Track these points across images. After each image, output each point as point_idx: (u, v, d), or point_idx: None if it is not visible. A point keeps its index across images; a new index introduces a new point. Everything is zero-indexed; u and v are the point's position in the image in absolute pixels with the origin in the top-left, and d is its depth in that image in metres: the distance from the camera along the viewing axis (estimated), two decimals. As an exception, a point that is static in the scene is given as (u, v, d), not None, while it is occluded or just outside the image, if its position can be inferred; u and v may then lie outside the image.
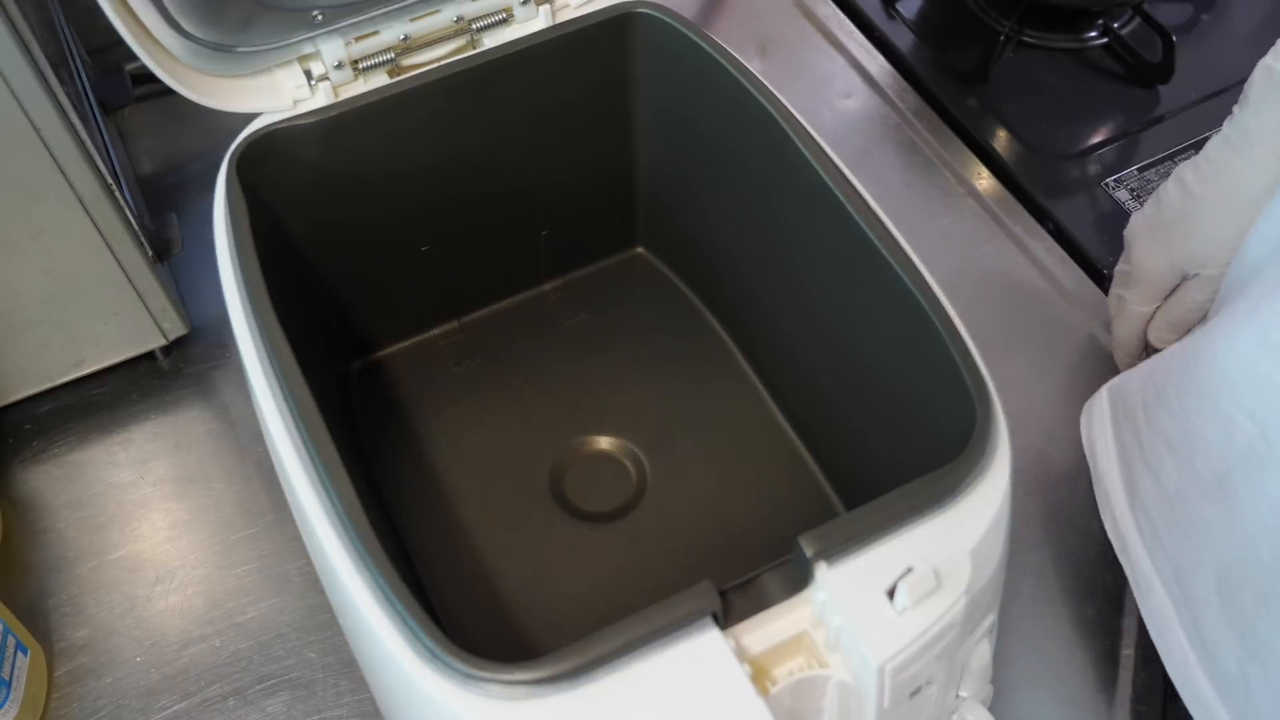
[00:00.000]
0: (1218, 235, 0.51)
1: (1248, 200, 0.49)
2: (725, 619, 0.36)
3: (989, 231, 0.69)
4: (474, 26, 0.54)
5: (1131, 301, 0.56)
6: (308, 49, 0.51)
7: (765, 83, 0.50)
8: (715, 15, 0.82)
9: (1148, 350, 0.58)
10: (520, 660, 0.34)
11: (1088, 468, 0.59)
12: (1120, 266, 0.57)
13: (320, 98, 0.51)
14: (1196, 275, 0.53)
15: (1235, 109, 0.50)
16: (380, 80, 0.52)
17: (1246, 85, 0.49)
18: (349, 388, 0.60)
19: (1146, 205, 0.56)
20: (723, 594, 0.36)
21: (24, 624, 0.53)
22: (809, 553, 0.36)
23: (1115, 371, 0.58)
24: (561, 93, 0.55)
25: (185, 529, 0.58)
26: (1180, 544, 0.46)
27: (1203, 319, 0.54)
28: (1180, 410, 0.46)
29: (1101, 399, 0.55)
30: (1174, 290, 0.55)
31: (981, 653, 0.40)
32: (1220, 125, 0.73)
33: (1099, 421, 0.54)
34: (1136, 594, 0.50)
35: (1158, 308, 0.56)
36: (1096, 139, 0.74)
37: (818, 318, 0.53)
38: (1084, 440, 0.55)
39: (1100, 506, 0.53)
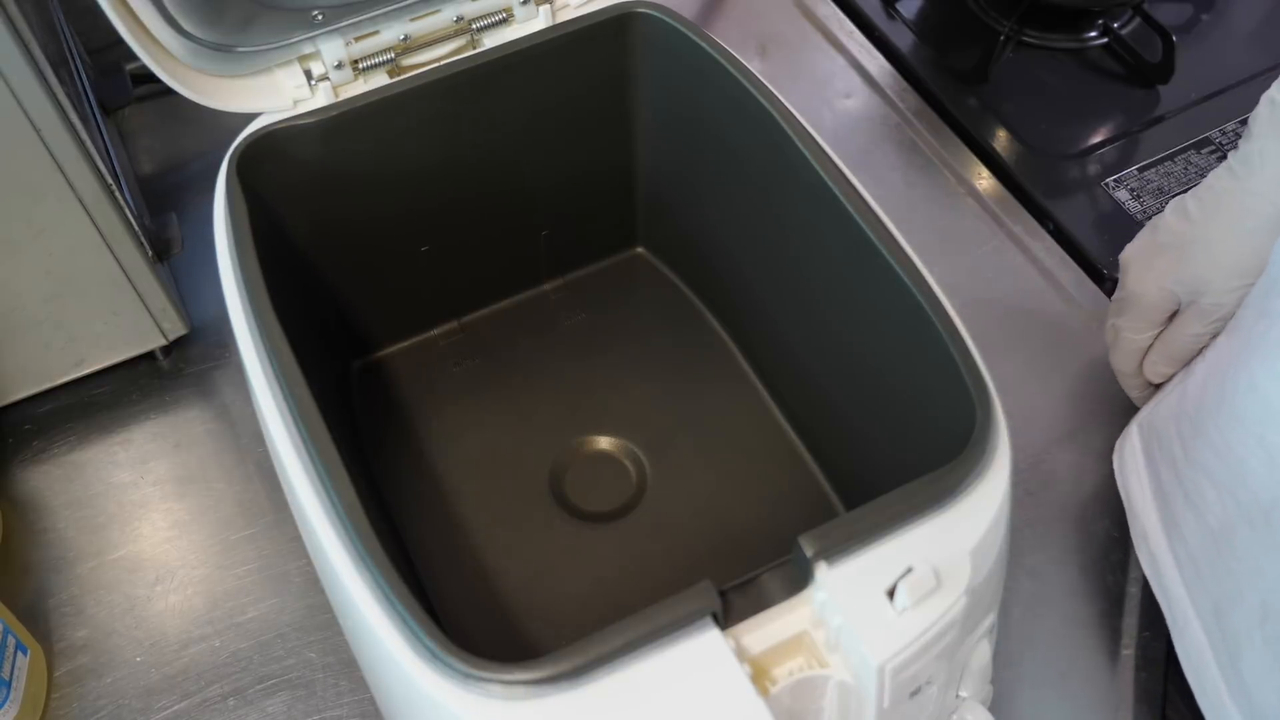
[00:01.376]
0: (1216, 261, 0.50)
1: (1250, 229, 0.48)
2: (725, 619, 0.36)
3: (989, 231, 0.69)
4: (474, 26, 0.54)
5: (1127, 330, 0.55)
6: (308, 49, 0.51)
7: (765, 83, 0.50)
8: (715, 15, 0.82)
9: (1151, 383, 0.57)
10: (520, 660, 0.34)
11: (1087, 468, 0.59)
12: (1116, 294, 0.56)
13: (320, 98, 0.51)
14: (1193, 304, 0.51)
15: (1241, 141, 0.50)
16: (380, 80, 0.52)
17: (1251, 118, 0.49)
18: (349, 388, 0.60)
19: (1142, 232, 0.55)
20: (723, 594, 0.36)
21: (24, 624, 0.53)
22: (809, 553, 0.36)
23: (1113, 370, 0.58)
24: (561, 93, 0.55)
25: (185, 529, 0.58)
26: (1222, 578, 0.46)
27: (1207, 347, 0.52)
28: (1221, 442, 0.45)
29: (1132, 436, 0.54)
30: (1170, 320, 0.53)
31: (981, 653, 0.40)
32: (1218, 126, 0.73)
33: (1131, 458, 0.54)
34: (1173, 632, 0.50)
35: (1155, 338, 0.54)
36: (1096, 139, 0.74)
37: (818, 318, 0.53)
38: (1117, 477, 0.55)
39: (1136, 543, 0.53)
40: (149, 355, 0.63)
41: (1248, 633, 0.44)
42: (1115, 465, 0.55)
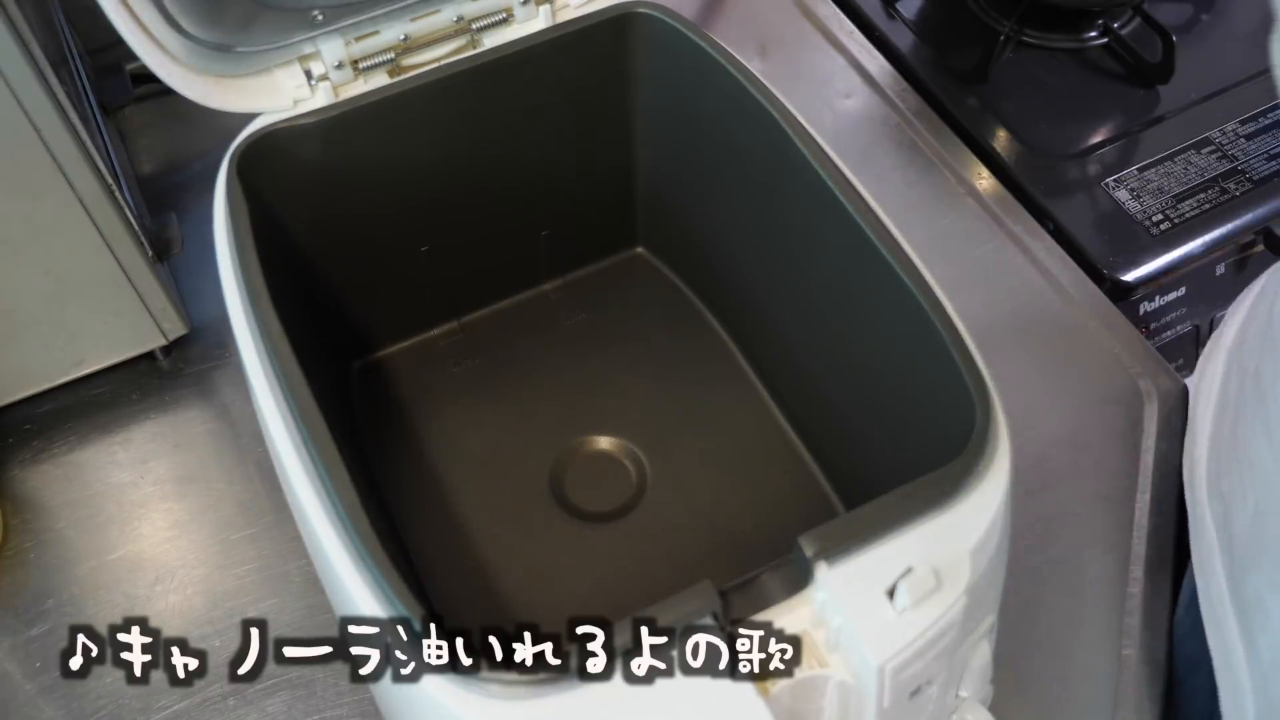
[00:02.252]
0: None
1: None
2: (725, 619, 0.36)
3: (989, 231, 0.69)
4: (474, 26, 0.54)
5: None
6: (308, 49, 0.51)
7: (765, 83, 0.50)
8: (715, 15, 0.82)
9: None
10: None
11: (1087, 467, 0.59)
12: None
13: (320, 98, 0.51)
14: None
15: None
16: (380, 80, 0.52)
17: None
18: (349, 388, 0.60)
19: None
20: (723, 594, 0.36)
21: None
22: (809, 553, 0.36)
23: (1113, 370, 0.58)
24: (562, 92, 0.55)
25: (185, 529, 0.58)
26: (1232, 478, 0.48)
27: None
28: None
29: (1219, 356, 0.55)
30: None
31: (981, 653, 0.40)
32: (1219, 126, 0.73)
33: (1209, 374, 0.55)
34: (1191, 536, 0.51)
35: None
36: (1096, 139, 0.74)
37: (818, 318, 0.53)
38: (1191, 390, 0.57)
39: (1185, 448, 0.54)
40: (149, 355, 0.63)
41: (1241, 529, 0.46)
42: (1194, 378, 0.57)
